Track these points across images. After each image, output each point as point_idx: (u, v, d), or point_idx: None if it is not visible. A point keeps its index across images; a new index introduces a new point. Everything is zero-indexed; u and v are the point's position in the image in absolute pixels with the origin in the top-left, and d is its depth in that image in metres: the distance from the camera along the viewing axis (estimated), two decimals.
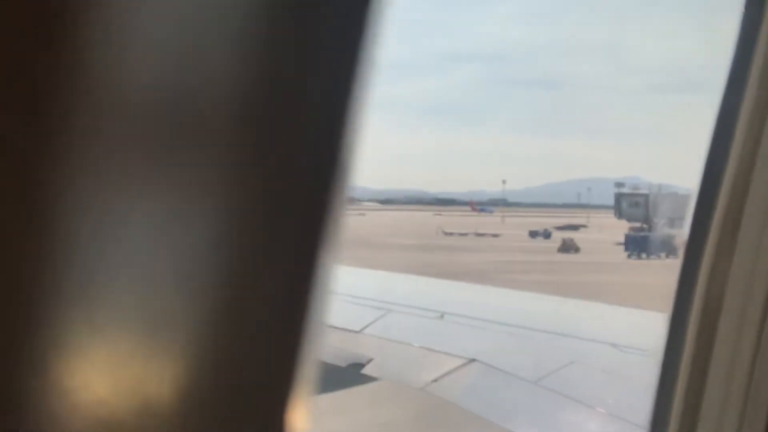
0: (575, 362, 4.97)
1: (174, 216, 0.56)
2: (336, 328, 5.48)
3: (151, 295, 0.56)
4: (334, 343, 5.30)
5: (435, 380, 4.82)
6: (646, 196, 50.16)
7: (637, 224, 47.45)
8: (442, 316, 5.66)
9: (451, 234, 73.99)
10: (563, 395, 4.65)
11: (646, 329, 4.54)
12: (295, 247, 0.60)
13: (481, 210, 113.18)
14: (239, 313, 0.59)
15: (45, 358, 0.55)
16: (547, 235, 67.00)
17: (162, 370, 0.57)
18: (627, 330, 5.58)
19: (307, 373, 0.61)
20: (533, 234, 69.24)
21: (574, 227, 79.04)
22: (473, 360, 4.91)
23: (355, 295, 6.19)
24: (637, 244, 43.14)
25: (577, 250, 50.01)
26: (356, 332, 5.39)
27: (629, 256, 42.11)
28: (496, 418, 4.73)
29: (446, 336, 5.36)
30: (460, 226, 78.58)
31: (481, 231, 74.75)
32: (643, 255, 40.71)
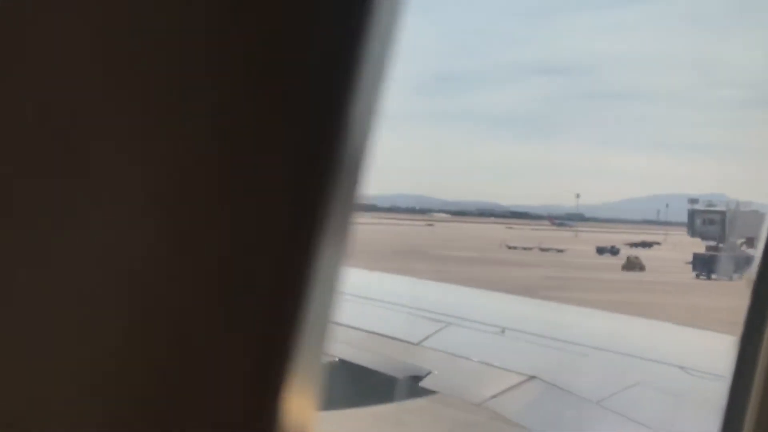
0: (640, 383, 4.80)
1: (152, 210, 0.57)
2: (394, 339, 5.46)
3: (134, 291, 0.57)
4: (392, 354, 5.29)
5: (494, 396, 4.74)
6: (722, 213, 48.13)
7: (712, 243, 45.57)
8: (502, 331, 5.57)
9: (514, 248, 72.95)
10: (627, 417, 4.49)
11: (715, 353, 4.34)
12: (286, 247, 0.60)
13: (560, 224, 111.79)
14: (224, 310, 0.59)
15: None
16: (614, 251, 65.21)
17: (148, 365, 0.57)
18: (696, 353, 5.35)
19: (305, 372, 0.61)
20: (600, 250, 67.55)
21: (647, 244, 77.02)
22: (533, 377, 4.81)
23: (414, 307, 6.16)
24: (705, 264, 41.43)
25: (641, 268, 48.55)
26: (415, 344, 5.35)
27: (697, 276, 40.47)
28: None
29: (506, 351, 5.26)
30: (527, 240, 77.66)
31: (545, 246, 73.59)
32: (713, 275, 39.05)
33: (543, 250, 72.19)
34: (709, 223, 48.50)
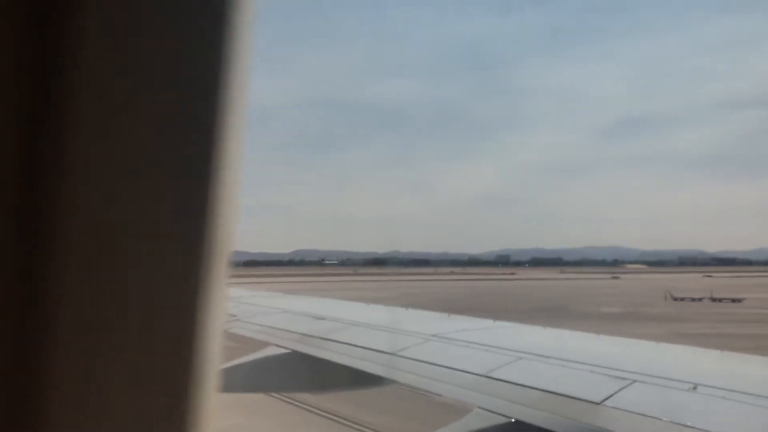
0: None
1: None
2: (574, 398, 5.19)
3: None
4: (572, 414, 5.02)
5: None
6: None
7: None
8: (694, 388, 5.11)
9: (681, 299, 67.27)
10: None
11: None
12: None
13: None
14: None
15: None
16: None
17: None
18: None
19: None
20: None
21: None
22: None
23: (593, 363, 5.85)
24: None
25: None
26: (597, 404, 5.05)
27: None
28: None
29: (701, 410, 4.80)
30: (705, 291, 71.75)
31: (718, 296, 67.34)
32: None
33: (715, 300, 66.06)
34: None
